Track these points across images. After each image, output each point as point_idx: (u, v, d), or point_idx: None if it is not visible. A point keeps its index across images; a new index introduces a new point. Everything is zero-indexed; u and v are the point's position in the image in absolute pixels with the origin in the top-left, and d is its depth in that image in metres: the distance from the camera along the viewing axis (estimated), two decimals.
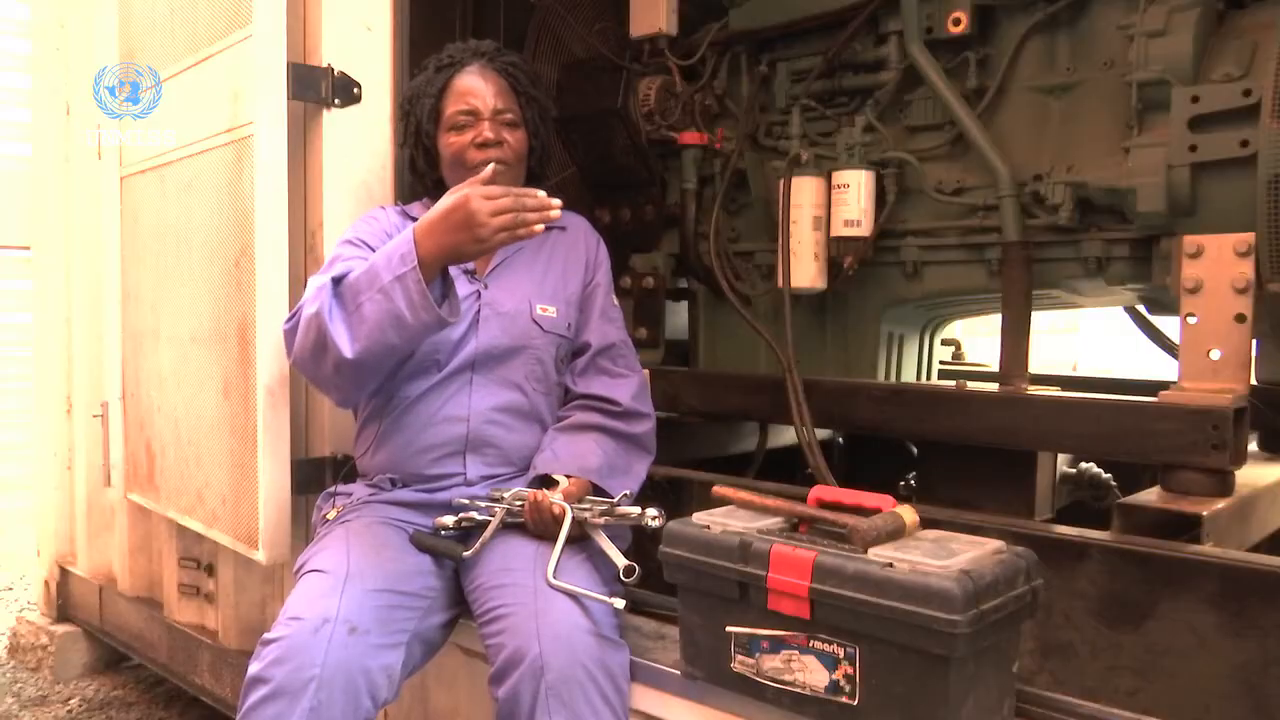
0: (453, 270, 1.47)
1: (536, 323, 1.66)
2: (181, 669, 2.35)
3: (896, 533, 1.19)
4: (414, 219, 1.65)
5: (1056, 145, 1.96)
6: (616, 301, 1.80)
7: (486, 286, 1.66)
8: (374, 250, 1.51)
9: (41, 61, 2.85)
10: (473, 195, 1.33)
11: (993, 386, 1.95)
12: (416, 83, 1.70)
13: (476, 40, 1.72)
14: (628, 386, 1.69)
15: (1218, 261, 1.60)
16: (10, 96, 4.48)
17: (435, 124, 1.66)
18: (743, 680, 1.24)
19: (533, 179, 1.74)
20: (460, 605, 1.55)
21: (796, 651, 1.19)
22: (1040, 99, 2.00)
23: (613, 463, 1.61)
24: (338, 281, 1.43)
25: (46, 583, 2.93)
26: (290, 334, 1.49)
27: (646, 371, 1.81)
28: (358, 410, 1.71)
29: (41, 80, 2.86)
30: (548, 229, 1.65)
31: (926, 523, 1.25)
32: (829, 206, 2.13)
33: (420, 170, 1.73)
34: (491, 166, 1.41)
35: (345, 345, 1.39)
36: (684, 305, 2.64)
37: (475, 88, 1.64)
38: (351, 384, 1.49)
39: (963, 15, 1.99)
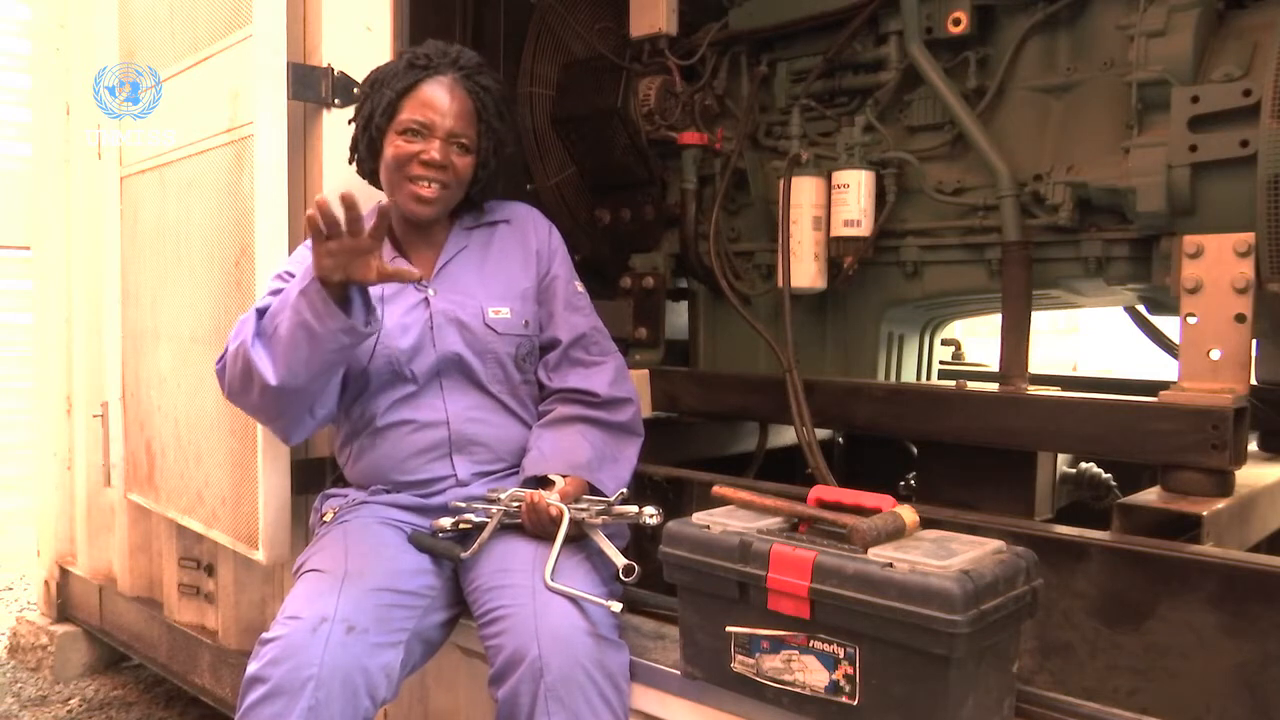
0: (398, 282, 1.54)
1: (490, 327, 1.62)
2: (181, 669, 2.35)
3: (896, 533, 1.19)
4: None
5: (1056, 145, 1.96)
6: (581, 288, 1.74)
7: (435, 293, 1.63)
8: None
9: (41, 61, 2.85)
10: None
11: (993, 386, 1.95)
12: (384, 71, 1.63)
13: (460, 48, 1.64)
14: (604, 374, 1.66)
15: (1218, 261, 1.60)
16: (10, 96, 4.49)
17: (388, 120, 1.58)
18: (743, 680, 1.24)
19: (469, 205, 1.69)
20: (460, 604, 1.54)
21: (796, 651, 1.19)
22: (1040, 99, 2.00)
23: (602, 454, 1.60)
24: (261, 313, 1.49)
25: (46, 583, 2.93)
26: (222, 373, 1.54)
27: (647, 373, 1.80)
28: (338, 426, 1.69)
29: (41, 80, 2.86)
30: (492, 223, 1.71)
31: (926, 523, 1.25)
32: (829, 206, 2.14)
33: (361, 156, 1.66)
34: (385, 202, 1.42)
35: (268, 370, 1.44)
36: (684, 305, 2.64)
37: (438, 102, 1.57)
38: (280, 409, 1.52)
39: (963, 15, 2.00)
